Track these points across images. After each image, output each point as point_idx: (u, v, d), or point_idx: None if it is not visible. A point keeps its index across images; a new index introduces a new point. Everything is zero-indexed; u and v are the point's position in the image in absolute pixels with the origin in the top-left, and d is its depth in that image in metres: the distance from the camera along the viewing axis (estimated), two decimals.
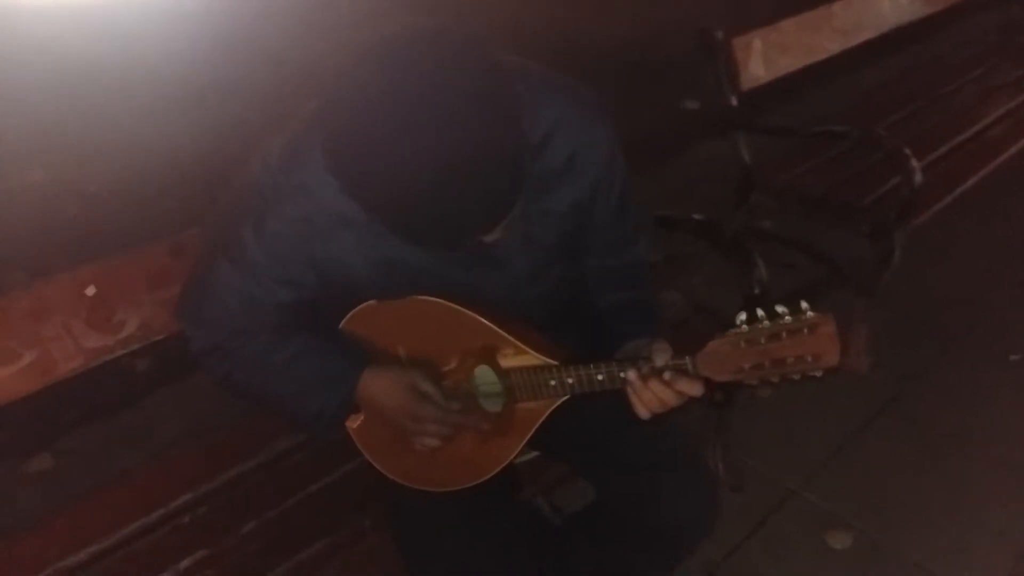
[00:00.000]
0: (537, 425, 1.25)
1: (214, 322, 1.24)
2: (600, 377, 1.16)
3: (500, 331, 1.20)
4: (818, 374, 1.05)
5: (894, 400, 2.34)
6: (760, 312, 1.05)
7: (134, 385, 2.40)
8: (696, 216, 1.95)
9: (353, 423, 1.32)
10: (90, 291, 1.46)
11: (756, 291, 1.73)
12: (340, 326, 1.27)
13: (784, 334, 1.04)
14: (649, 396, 1.14)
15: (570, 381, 1.18)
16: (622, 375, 1.14)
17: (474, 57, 0.90)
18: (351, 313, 1.26)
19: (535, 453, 1.49)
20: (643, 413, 1.16)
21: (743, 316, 1.06)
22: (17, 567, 1.38)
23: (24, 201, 3.16)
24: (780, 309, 1.05)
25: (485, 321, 1.20)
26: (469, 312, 1.20)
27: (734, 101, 2.43)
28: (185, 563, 1.40)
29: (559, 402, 1.22)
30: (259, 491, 1.54)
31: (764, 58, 2.58)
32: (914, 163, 2.14)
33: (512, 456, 1.28)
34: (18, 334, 1.39)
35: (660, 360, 1.11)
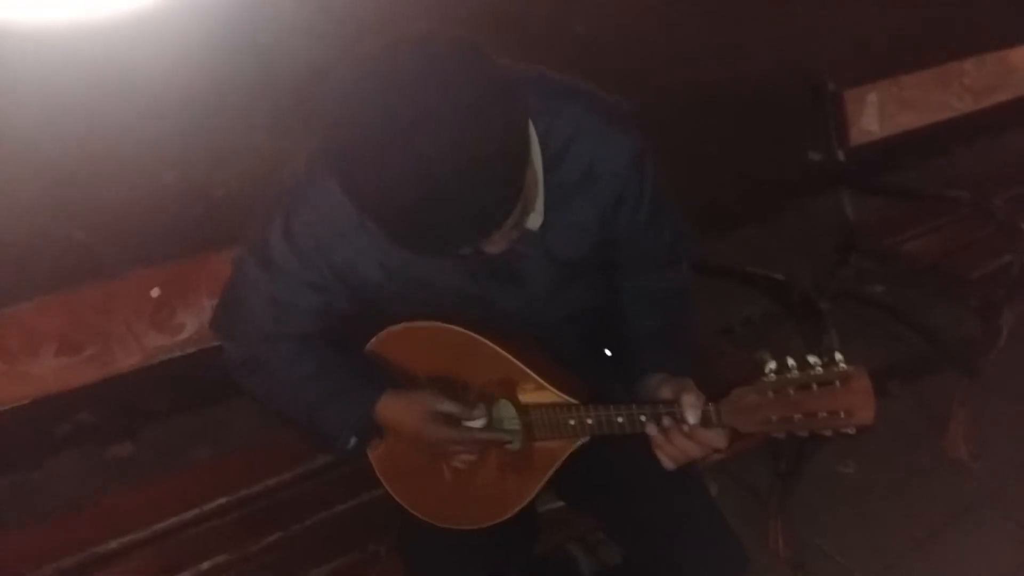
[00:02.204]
0: (557, 466, 1.21)
1: (245, 332, 1.26)
2: (620, 420, 1.12)
3: (521, 365, 1.17)
4: (851, 431, 0.98)
5: (992, 495, 2.13)
6: (791, 361, 0.99)
7: (219, 383, 2.51)
8: (774, 275, 1.85)
9: (375, 450, 1.33)
10: (155, 293, 1.54)
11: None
12: (365, 349, 1.28)
13: (815, 386, 0.98)
14: (670, 446, 1.09)
15: (590, 422, 1.14)
16: (643, 420, 1.09)
17: (473, 65, 0.88)
18: (375, 337, 1.27)
19: (560, 503, 1.44)
20: (667, 464, 1.11)
21: (772, 365, 1.01)
22: (56, 545, 1.46)
23: (153, 198, 3.38)
24: (812, 359, 0.99)
25: (506, 354, 1.18)
26: (491, 343, 1.18)
27: (841, 156, 2.32)
28: (206, 565, 1.43)
29: (579, 443, 1.18)
30: (290, 504, 1.56)
31: (880, 113, 2.45)
32: None
33: (531, 496, 1.25)
34: (84, 326, 1.48)
35: (692, 417, 1.05)
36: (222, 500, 1.56)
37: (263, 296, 1.22)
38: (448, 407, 1.21)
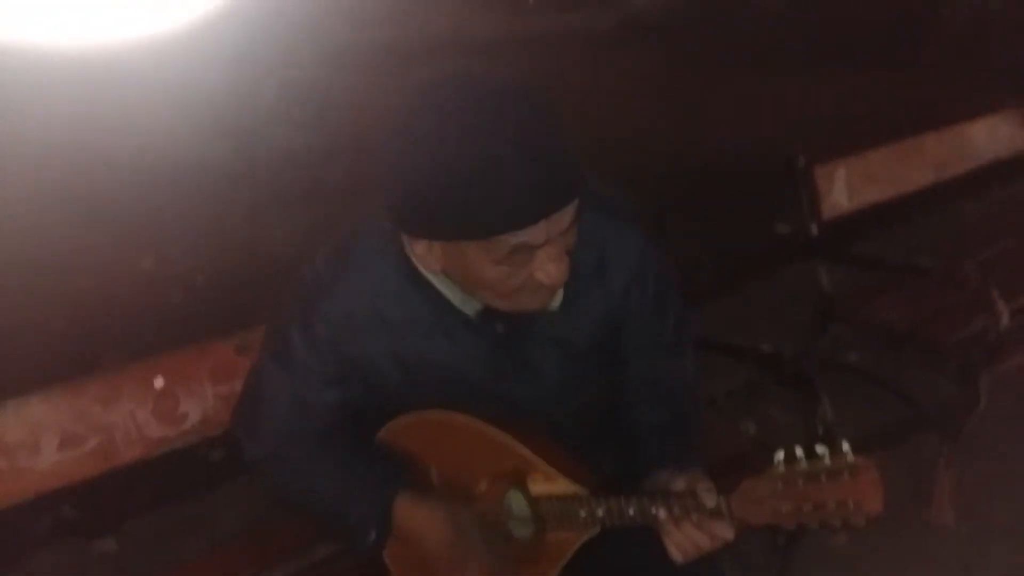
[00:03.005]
0: (568, 557, 1.22)
1: (266, 431, 1.28)
2: (631, 511, 1.13)
3: (531, 454, 1.19)
4: (861, 522, 1.00)
5: (979, 557, 2.16)
6: (799, 452, 1.01)
7: (205, 473, 2.47)
8: (762, 346, 1.91)
9: (387, 546, 1.32)
10: (158, 383, 1.53)
11: (820, 429, 1.66)
12: (376, 437, 1.29)
13: (824, 477, 0.99)
14: (681, 538, 1.10)
15: (600, 514, 1.15)
16: (653, 511, 1.11)
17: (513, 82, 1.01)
18: (387, 426, 1.28)
19: None
20: (677, 556, 1.12)
21: (781, 455, 1.02)
22: None
23: (131, 286, 3.38)
24: (820, 450, 1.00)
25: (516, 443, 1.19)
26: (501, 432, 1.20)
27: (815, 229, 2.41)
28: None
29: (589, 533, 1.19)
30: None
31: (848, 187, 2.55)
32: (1001, 305, 2.05)
33: None
34: (86, 419, 1.47)
35: (710, 500, 1.07)
36: None
37: (283, 394, 1.24)
38: (462, 517, 1.22)
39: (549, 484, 1.19)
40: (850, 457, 0.99)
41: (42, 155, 4.54)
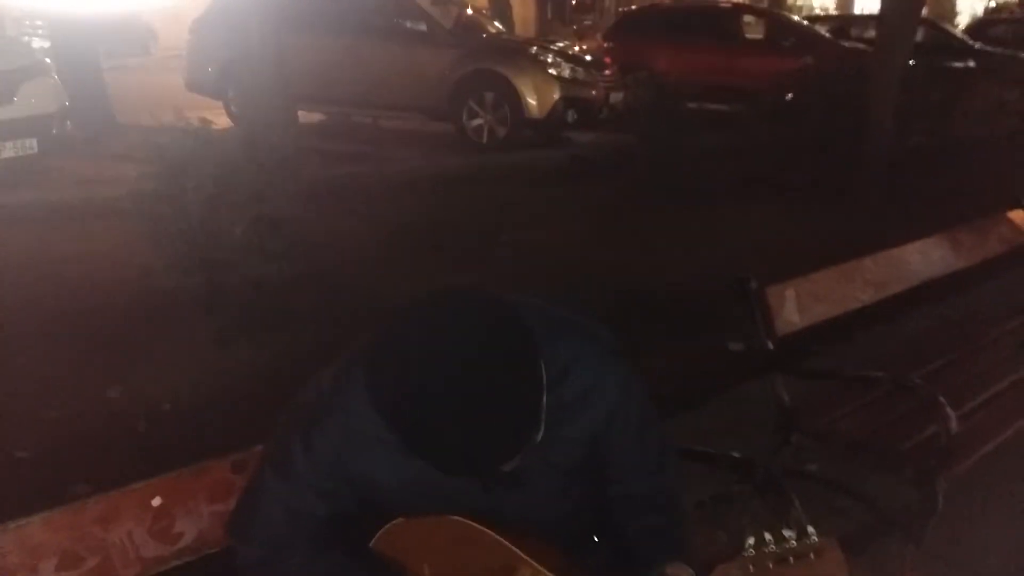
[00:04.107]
0: None
1: (259, 537, 1.33)
2: None
3: (521, 553, 1.25)
4: None
5: None
6: (768, 536, 1.10)
7: None
8: (733, 453, 2.00)
9: None
10: (156, 502, 1.56)
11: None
12: (371, 544, 1.35)
13: (791, 558, 1.08)
14: None
15: None
16: None
17: (498, 314, 1.11)
18: (381, 531, 1.34)
19: None
20: None
21: (751, 540, 1.11)
22: None
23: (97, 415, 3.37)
24: (787, 533, 1.10)
25: (506, 543, 1.26)
26: (491, 533, 1.27)
27: (770, 345, 2.56)
28: None
29: None
30: None
31: (799, 306, 2.74)
32: (949, 411, 2.19)
33: None
34: (85, 539, 1.48)
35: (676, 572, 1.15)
36: None
37: (279, 503, 1.31)
38: None
39: None
40: (815, 538, 1.08)
41: (12, 285, 4.58)
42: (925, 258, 3.25)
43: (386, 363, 1.10)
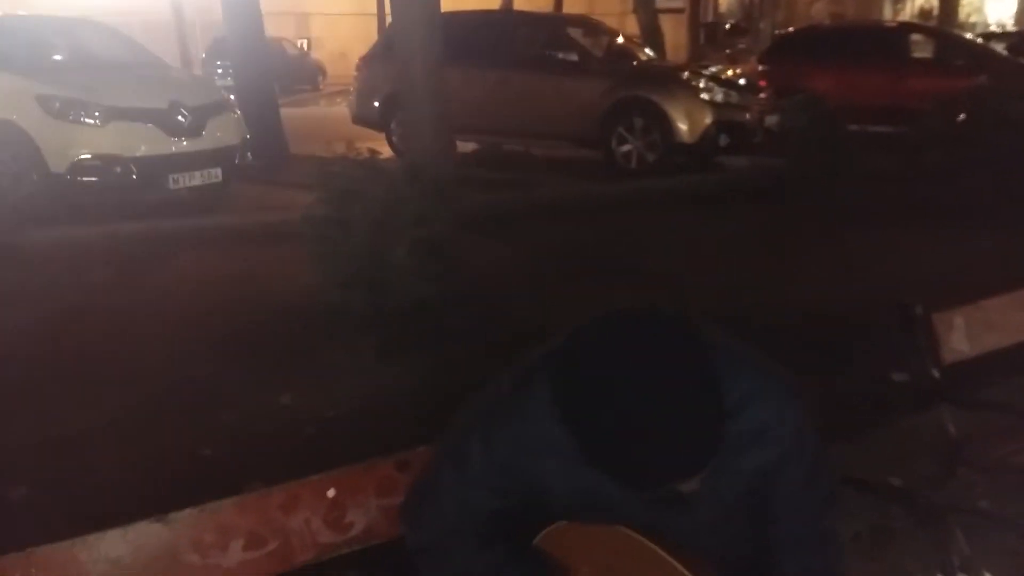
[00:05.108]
0: None
1: (430, 524, 1.43)
2: None
3: (682, 568, 1.28)
4: None
5: None
6: None
7: None
8: (893, 482, 1.94)
9: None
10: (331, 493, 1.70)
11: (956, 562, 1.67)
12: (535, 542, 1.41)
13: None
14: None
15: None
16: None
17: (684, 335, 1.16)
18: (546, 531, 1.40)
19: None
20: None
21: None
22: None
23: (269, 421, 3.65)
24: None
25: (670, 558, 1.29)
26: (657, 548, 1.30)
27: (936, 374, 2.45)
28: None
29: None
30: None
31: (968, 334, 2.61)
32: None
33: None
34: (270, 523, 1.64)
35: None
36: None
37: (453, 495, 1.40)
38: None
39: None
40: None
41: (201, 300, 5.05)
42: None
43: (574, 373, 1.16)
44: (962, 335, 2.59)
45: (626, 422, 1.11)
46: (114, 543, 1.52)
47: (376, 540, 1.72)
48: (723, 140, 8.92)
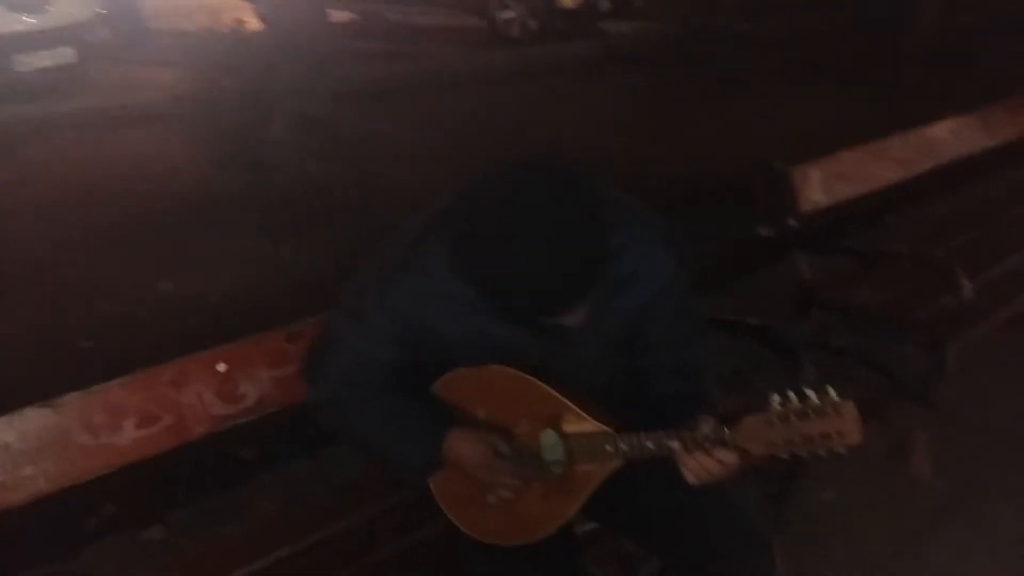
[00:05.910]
0: (595, 485, 1.42)
1: (331, 376, 1.50)
2: (649, 444, 1.34)
3: (565, 400, 1.41)
4: (843, 451, 1.21)
5: (954, 508, 2.37)
6: (791, 394, 1.23)
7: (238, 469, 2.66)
8: (751, 321, 2.12)
9: (435, 479, 1.53)
10: (221, 367, 1.74)
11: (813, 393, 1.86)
12: (431, 389, 1.51)
13: (811, 413, 1.21)
14: (694, 464, 1.31)
15: (623, 447, 1.37)
16: (668, 443, 1.32)
17: (574, 180, 1.24)
18: (441, 378, 1.50)
19: (594, 524, 1.64)
20: (691, 479, 1.33)
21: (777, 397, 1.24)
22: None
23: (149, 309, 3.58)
24: (808, 392, 1.22)
25: (552, 391, 1.41)
26: (542, 383, 1.42)
27: (793, 223, 2.63)
28: None
29: (613, 465, 1.40)
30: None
31: (824, 185, 2.79)
32: (964, 280, 2.27)
33: (571, 513, 1.46)
34: (161, 400, 1.67)
35: (705, 427, 1.29)
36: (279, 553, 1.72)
37: (350, 347, 1.47)
38: (505, 448, 1.44)
39: (580, 424, 1.41)
40: (834, 397, 1.21)
41: (62, 191, 4.78)
42: (956, 137, 3.23)
43: (468, 217, 1.23)
44: (818, 186, 2.76)
45: (514, 246, 1.19)
46: (2, 430, 1.52)
47: (270, 409, 1.78)
48: (604, 5, 8.84)
